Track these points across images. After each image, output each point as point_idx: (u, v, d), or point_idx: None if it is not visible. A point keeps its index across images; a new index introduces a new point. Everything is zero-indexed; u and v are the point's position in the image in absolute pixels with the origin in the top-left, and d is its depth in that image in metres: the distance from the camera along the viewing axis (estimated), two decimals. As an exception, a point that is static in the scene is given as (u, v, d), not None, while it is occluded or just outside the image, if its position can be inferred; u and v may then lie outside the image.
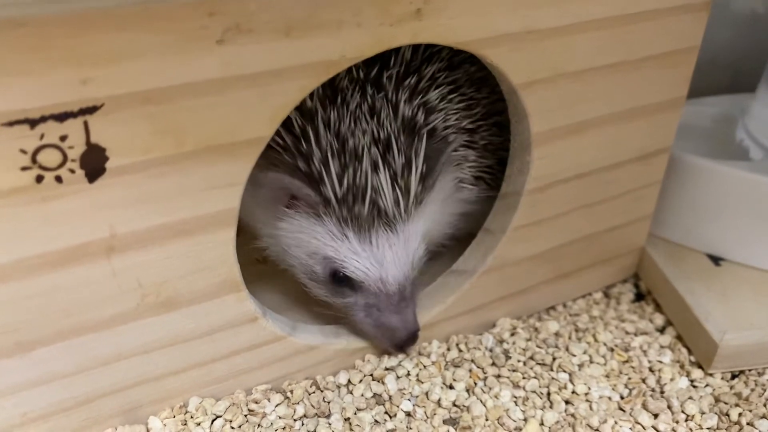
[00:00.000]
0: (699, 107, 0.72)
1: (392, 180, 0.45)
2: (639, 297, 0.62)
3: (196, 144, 0.37)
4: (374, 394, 0.49)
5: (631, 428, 0.48)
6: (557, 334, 0.56)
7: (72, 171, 0.34)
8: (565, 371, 0.52)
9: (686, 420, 0.49)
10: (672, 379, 0.52)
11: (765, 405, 0.50)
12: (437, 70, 0.49)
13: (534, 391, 0.50)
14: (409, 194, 0.45)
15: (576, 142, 0.50)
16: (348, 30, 0.37)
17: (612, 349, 0.55)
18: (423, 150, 0.46)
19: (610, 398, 0.50)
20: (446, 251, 0.57)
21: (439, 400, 0.49)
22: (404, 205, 0.45)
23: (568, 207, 0.53)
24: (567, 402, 0.50)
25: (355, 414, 0.48)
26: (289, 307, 0.55)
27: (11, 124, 0.32)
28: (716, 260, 0.61)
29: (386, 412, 0.48)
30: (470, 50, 0.42)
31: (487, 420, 0.48)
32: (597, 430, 0.48)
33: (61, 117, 0.33)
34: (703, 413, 0.49)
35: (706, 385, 0.52)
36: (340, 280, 0.47)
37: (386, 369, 0.51)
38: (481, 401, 0.49)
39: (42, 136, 0.33)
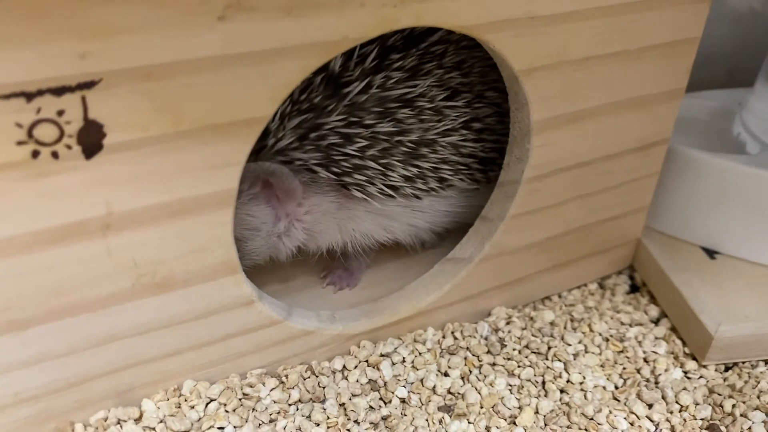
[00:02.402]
0: (697, 100, 0.72)
1: None
2: (634, 288, 0.63)
3: (195, 122, 0.36)
4: (369, 380, 0.49)
5: (625, 418, 0.48)
6: (552, 324, 0.56)
7: (69, 147, 0.34)
8: (560, 360, 0.52)
9: (680, 410, 0.49)
10: (666, 370, 0.52)
11: (758, 397, 0.50)
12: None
13: (529, 380, 0.50)
14: None
15: (575, 131, 0.49)
16: (351, 10, 0.37)
17: (607, 339, 0.55)
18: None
19: (604, 388, 0.50)
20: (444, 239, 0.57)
21: (434, 387, 0.49)
22: None
23: (566, 196, 0.53)
24: (562, 391, 0.50)
25: (350, 400, 0.47)
26: (286, 291, 0.55)
27: (7, 97, 0.31)
28: (711, 253, 0.61)
29: (381, 399, 0.48)
30: (472, 35, 0.42)
31: (481, 408, 0.48)
32: (592, 419, 0.48)
33: (59, 91, 0.32)
34: (697, 404, 0.49)
35: (700, 377, 0.52)
36: None
37: (381, 355, 0.51)
38: (476, 389, 0.49)
39: (39, 110, 0.32)
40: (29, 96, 0.32)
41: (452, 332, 0.54)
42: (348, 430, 0.45)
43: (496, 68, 0.46)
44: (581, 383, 0.50)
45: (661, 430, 0.48)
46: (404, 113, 0.48)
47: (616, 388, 0.51)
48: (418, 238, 0.57)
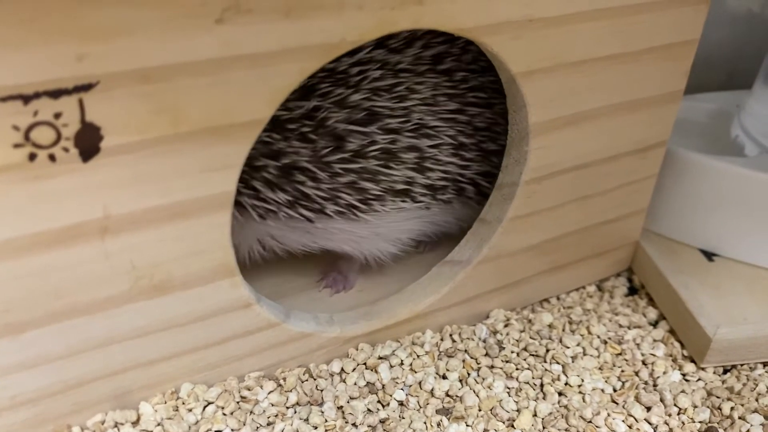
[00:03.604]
0: (695, 103, 0.72)
1: None
2: (632, 291, 0.63)
3: (193, 125, 0.36)
4: (367, 382, 0.49)
5: (623, 420, 0.48)
6: (551, 326, 0.56)
7: (66, 150, 0.34)
8: (558, 363, 0.52)
9: (678, 413, 0.49)
10: (665, 373, 0.52)
11: (757, 399, 0.50)
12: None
13: (527, 382, 0.50)
14: None
15: (574, 133, 0.49)
16: (349, 12, 0.37)
17: (605, 342, 0.55)
18: None
19: (603, 390, 0.50)
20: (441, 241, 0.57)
21: (432, 389, 0.49)
22: None
23: (564, 199, 0.53)
24: (560, 393, 0.50)
25: (348, 402, 0.47)
26: (284, 293, 0.55)
27: (4, 99, 0.31)
28: (709, 255, 0.61)
29: (379, 401, 0.48)
30: (471, 37, 0.42)
31: (480, 410, 0.48)
32: (590, 421, 0.47)
33: (56, 94, 0.32)
34: (695, 407, 0.49)
35: (699, 379, 0.52)
36: None
37: (380, 358, 0.51)
38: (474, 391, 0.49)
39: (35, 113, 0.32)
40: (26, 98, 0.32)
41: (450, 335, 0.54)
42: (346, 433, 0.45)
43: (455, 98, 0.45)
44: (579, 386, 0.50)
45: (659, 432, 0.48)
46: (270, 138, 0.45)
47: (615, 390, 0.51)
48: (359, 253, 0.54)
